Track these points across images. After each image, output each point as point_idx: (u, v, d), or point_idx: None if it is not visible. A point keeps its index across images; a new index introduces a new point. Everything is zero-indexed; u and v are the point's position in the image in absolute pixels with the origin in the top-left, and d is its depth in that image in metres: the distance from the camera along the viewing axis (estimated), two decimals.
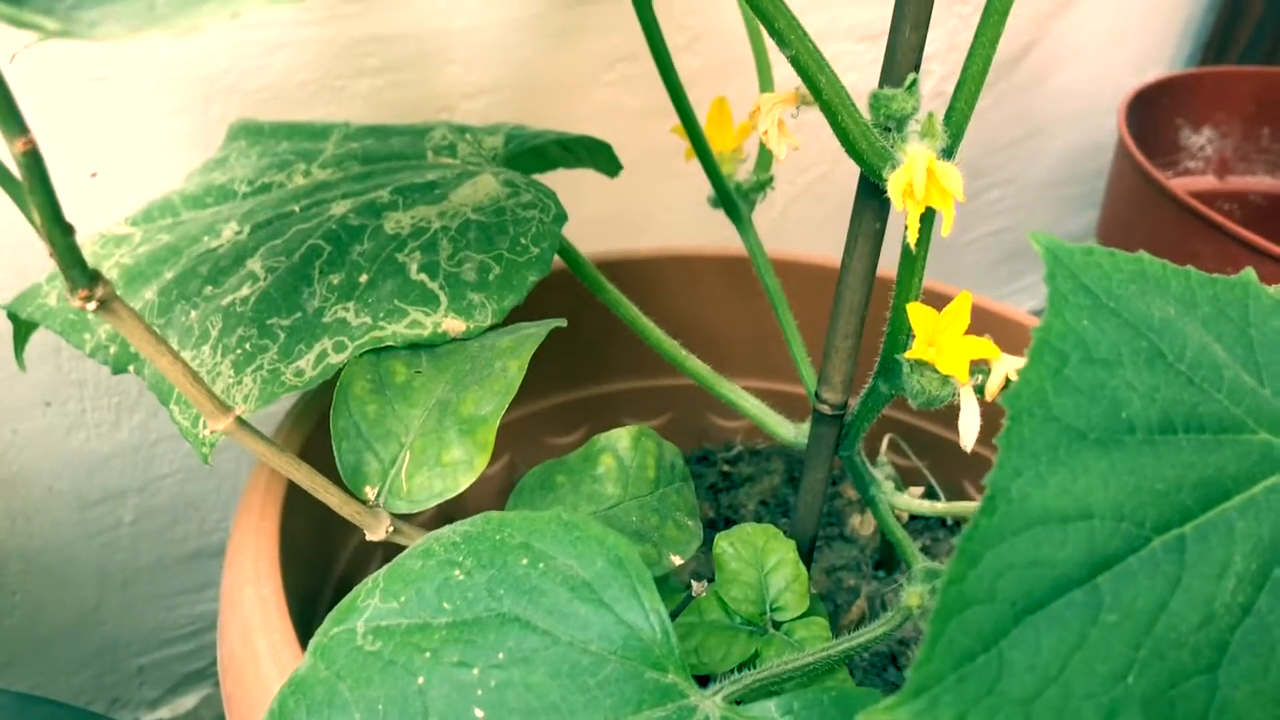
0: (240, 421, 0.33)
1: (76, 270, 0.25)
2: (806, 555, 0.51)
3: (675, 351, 0.50)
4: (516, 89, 0.70)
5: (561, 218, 0.44)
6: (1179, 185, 1.02)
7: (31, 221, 0.25)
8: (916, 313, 0.38)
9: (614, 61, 0.74)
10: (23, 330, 0.51)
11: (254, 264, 0.43)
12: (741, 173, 0.52)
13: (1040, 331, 0.27)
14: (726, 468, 0.70)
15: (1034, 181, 1.12)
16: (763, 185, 0.51)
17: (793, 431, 0.50)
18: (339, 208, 0.45)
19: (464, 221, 0.43)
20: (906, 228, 0.37)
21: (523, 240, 0.43)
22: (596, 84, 0.74)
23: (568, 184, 0.59)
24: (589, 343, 0.63)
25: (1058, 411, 0.26)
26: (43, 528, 0.66)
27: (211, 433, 0.33)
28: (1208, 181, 1.02)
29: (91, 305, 0.26)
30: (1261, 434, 0.27)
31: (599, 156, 0.54)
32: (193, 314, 0.43)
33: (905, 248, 0.38)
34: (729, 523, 0.65)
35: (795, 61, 0.35)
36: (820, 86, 0.35)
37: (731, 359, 0.66)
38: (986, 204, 1.10)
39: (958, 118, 0.37)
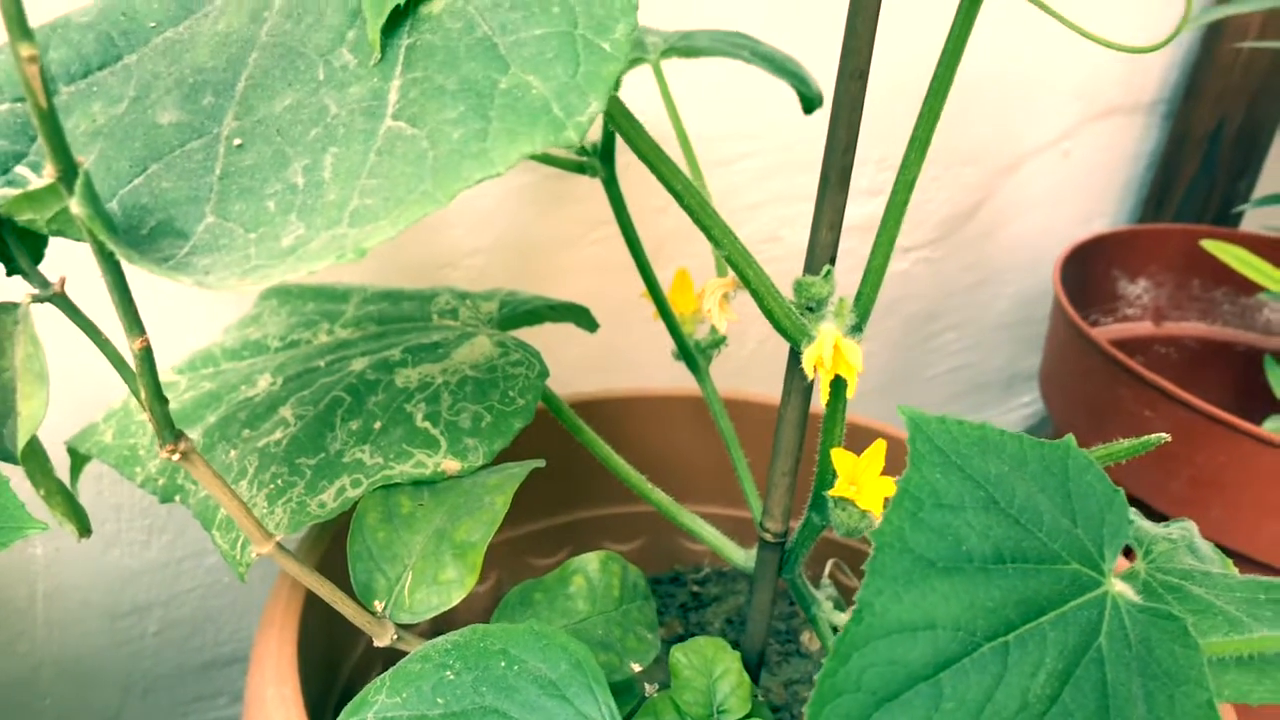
0: (279, 546, 0.40)
1: (168, 431, 0.33)
2: (755, 667, 0.58)
3: (642, 485, 0.57)
4: (510, 249, 0.80)
5: (544, 374, 0.53)
6: (1119, 330, 1.12)
7: (136, 395, 0.33)
8: (839, 457, 0.46)
9: (595, 225, 0.83)
10: (78, 463, 0.59)
11: (285, 411, 0.51)
12: (700, 331, 0.61)
13: (902, 482, 0.35)
14: (696, 588, 0.77)
15: (989, 324, 1.21)
16: (717, 343, 0.59)
17: (743, 556, 0.57)
18: (358, 364, 0.53)
19: (462, 377, 0.52)
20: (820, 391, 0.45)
21: (511, 393, 0.51)
22: (581, 243, 0.83)
23: (557, 330, 0.67)
24: (569, 475, 0.69)
25: (913, 545, 0.34)
26: (75, 637, 0.73)
27: (257, 556, 0.41)
28: (1145, 327, 1.12)
29: (176, 456, 0.34)
30: (1073, 564, 0.35)
31: (580, 317, 0.63)
32: (232, 453, 0.51)
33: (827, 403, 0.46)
34: None
35: (729, 259, 0.44)
36: (749, 278, 0.44)
37: (697, 487, 0.74)
38: (946, 343, 1.19)
39: (864, 301, 0.46)
